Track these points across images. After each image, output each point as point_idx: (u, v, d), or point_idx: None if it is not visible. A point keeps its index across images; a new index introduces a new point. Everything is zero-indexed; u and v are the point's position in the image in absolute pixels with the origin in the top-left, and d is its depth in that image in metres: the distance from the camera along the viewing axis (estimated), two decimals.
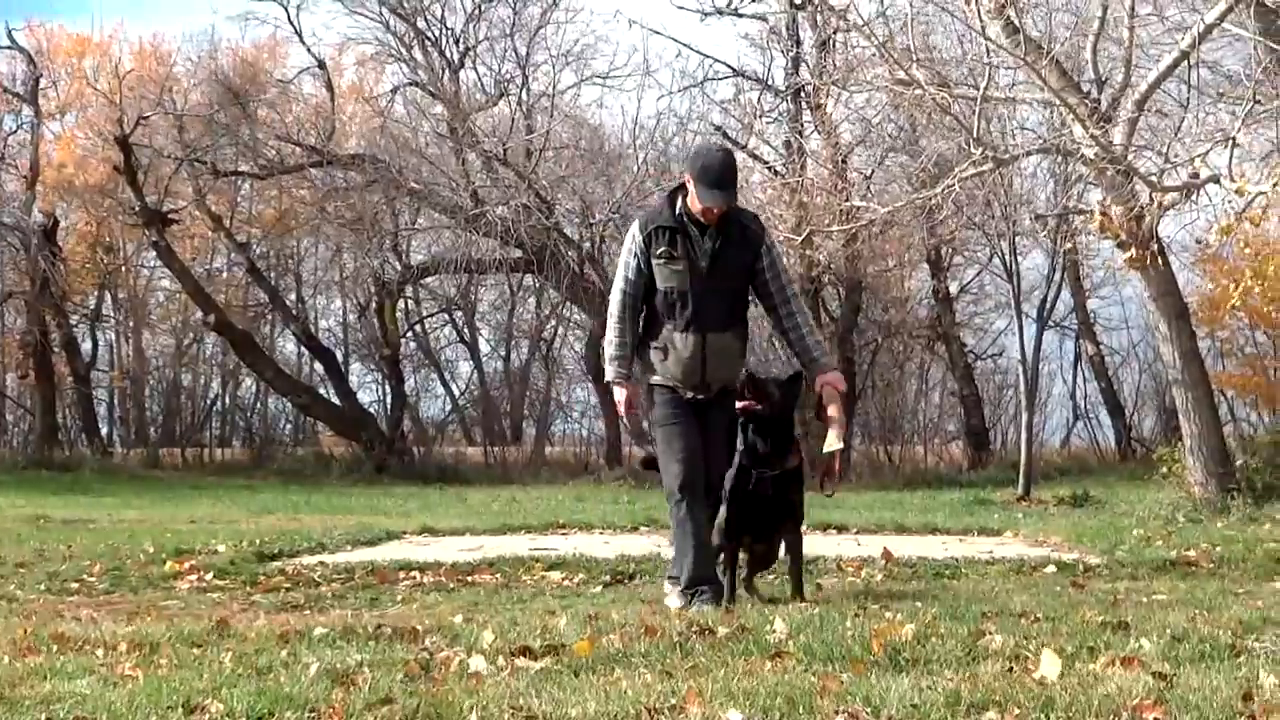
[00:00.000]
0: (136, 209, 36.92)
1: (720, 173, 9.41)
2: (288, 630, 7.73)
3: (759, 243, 9.61)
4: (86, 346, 44.25)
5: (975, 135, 17.13)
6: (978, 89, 16.94)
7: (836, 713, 5.29)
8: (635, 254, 9.62)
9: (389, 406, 41.11)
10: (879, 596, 9.70)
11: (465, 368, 45.95)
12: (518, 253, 33.95)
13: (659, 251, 9.52)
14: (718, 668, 6.30)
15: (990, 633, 7.01)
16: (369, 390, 44.14)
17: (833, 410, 9.69)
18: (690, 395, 9.58)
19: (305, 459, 39.78)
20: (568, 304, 39.04)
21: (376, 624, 7.93)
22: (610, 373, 9.88)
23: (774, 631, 7.18)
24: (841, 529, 16.57)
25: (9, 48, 41.40)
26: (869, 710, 5.35)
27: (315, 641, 7.37)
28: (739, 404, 9.51)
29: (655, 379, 9.68)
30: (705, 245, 9.49)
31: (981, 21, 17.13)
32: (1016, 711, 5.30)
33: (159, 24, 77.08)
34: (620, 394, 9.85)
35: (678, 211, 9.57)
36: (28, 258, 39.20)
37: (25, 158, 40.74)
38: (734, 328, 9.65)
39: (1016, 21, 17.64)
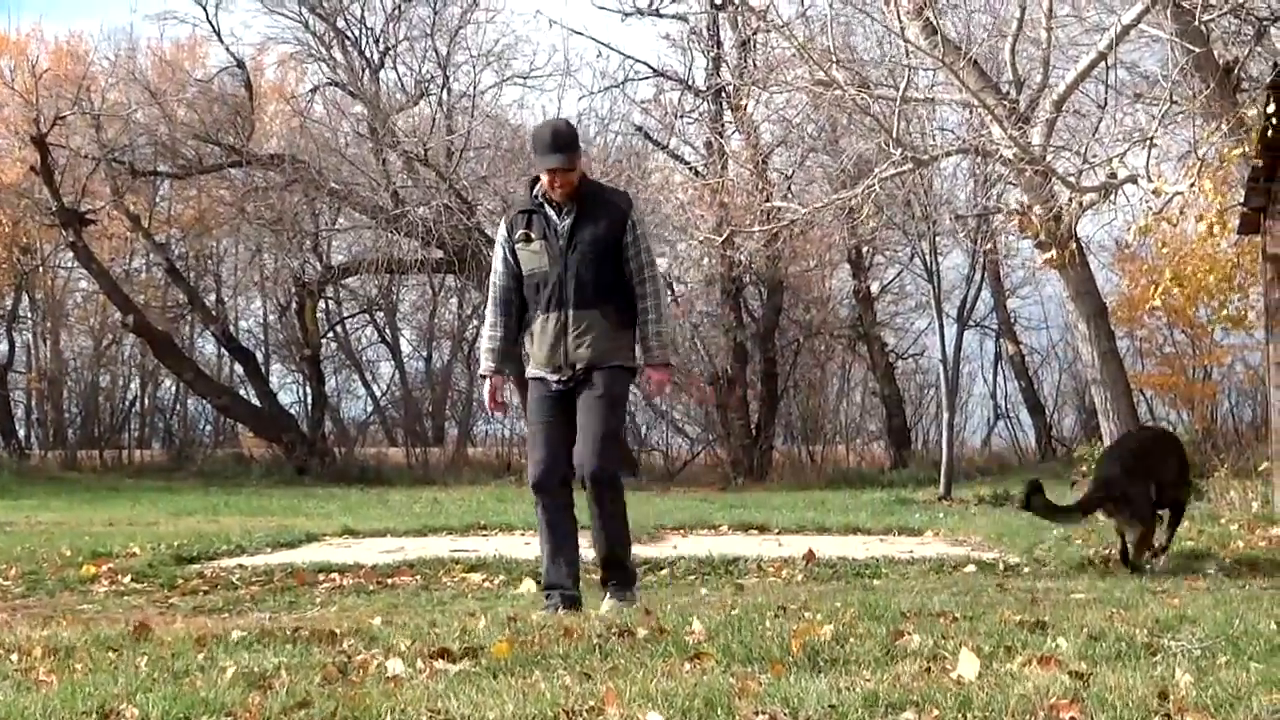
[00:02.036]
0: (53, 209, 36.61)
1: (550, 138, 9.46)
2: (205, 634, 7.68)
3: (623, 219, 9.56)
4: (3, 348, 43.91)
5: (895, 136, 17.21)
6: (897, 90, 17.02)
7: (755, 714, 5.29)
8: (502, 244, 9.76)
9: (310, 407, 40.93)
10: (799, 597, 9.71)
11: (386, 368, 45.93)
12: (439, 253, 33.86)
13: (518, 235, 9.61)
14: (636, 669, 6.30)
15: (909, 632, 7.02)
16: (289, 391, 44.04)
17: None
18: (556, 381, 9.51)
19: (225, 460, 39.63)
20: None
21: (295, 627, 7.89)
22: (482, 365, 9.96)
23: (692, 632, 7.17)
24: (763, 529, 16.60)
25: None
26: (787, 711, 5.35)
27: (233, 645, 7.32)
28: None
29: (528, 370, 9.72)
30: (562, 224, 9.52)
31: (900, 23, 17.23)
32: (934, 712, 5.31)
33: (77, 23, 76.58)
34: (486, 386, 9.90)
35: (535, 195, 9.65)
36: None
37: None
38: (600, 305, 9.49)
39: (935, 23, 17.71)
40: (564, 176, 9.44)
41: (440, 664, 6.54)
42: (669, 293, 36.78)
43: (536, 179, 9.68)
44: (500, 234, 9.83)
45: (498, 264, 9.77)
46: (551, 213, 9.56)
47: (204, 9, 37.09)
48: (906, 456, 36.25)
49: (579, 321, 9.45)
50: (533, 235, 9.55)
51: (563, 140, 9.50)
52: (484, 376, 9.94)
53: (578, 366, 9.46)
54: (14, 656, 7.10)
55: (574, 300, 9.45)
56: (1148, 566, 11.65)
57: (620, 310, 9.58)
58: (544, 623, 7.80)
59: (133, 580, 12.08)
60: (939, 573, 11.85)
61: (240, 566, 12.87)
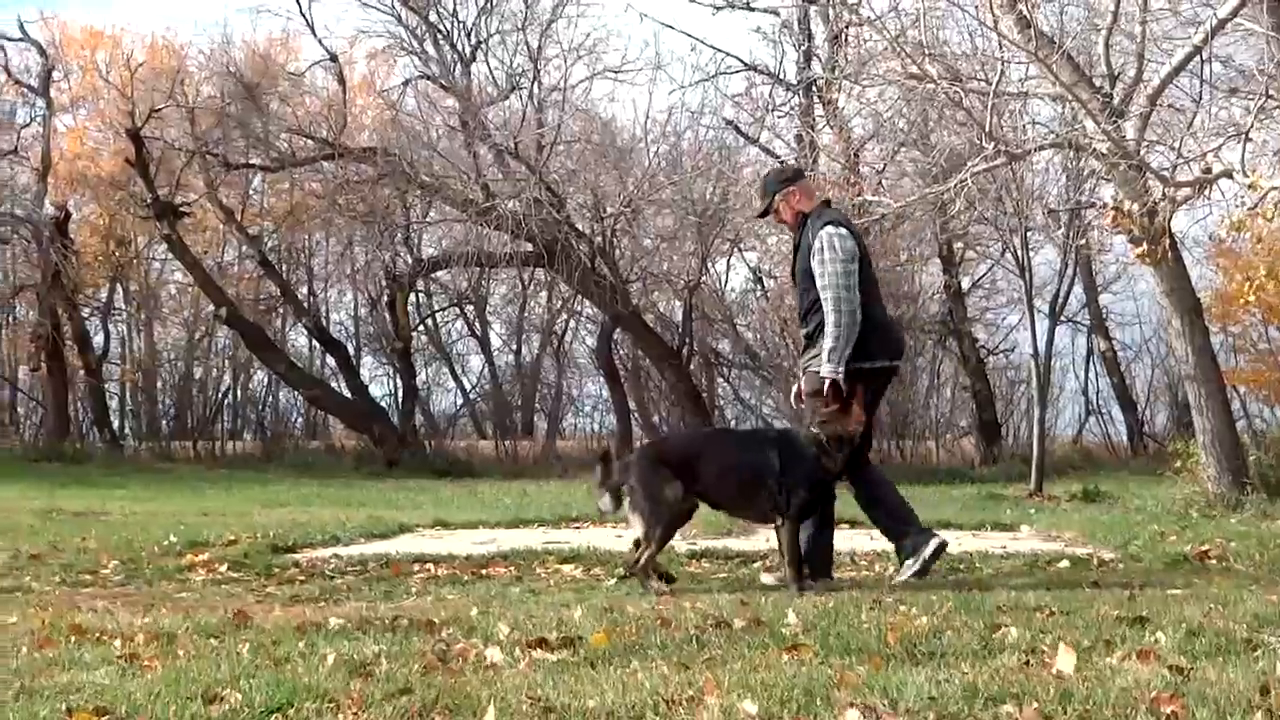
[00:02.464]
0: (148, 202, 36.94)
1: (756, 189, 11.04)
2: (304, 622, 7.75)
3: (807, 248, 10.41)
4: (98, 339, 44.32)
5: (987, 130, 17.10)
6: (990, 84, 16.90)
7: (853, 705, 5.29)
8: None
9: (400, 400, 41.08)
10: (893, 590, 9.69)
11: (476, 361, 46.09)
12: (529, 247, 33.94)
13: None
14: (734, 659, 6.33)
15: (1006, 626, 7.02)
16: (380, 384, 44.22)
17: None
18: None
19: (317, 452, 39.91)
20: (579, 298, 39.02)
21: (393, 616, 7.95)
22: None
23: (789, 624, 7.19)
24: (855, 523, 16.52)
25: (21, 40, 41.51)
26: (886, 703, 5.36)
27: (332, 633, 7.40)
28: None
29: None
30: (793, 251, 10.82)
31: (994, 16, 17.09)
32: (1034, 705, 5.30)
33: (171, 17, 77.13)
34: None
35: None
36: (40, 250, 39.25)
37: (37, 150, 40.77)
38: (807, 323, 10.53)
39: (1029, 16, 17.62)
40: (776, 219, 10.95)
41: (538, 653, 6.58)
42: (761, 286, 36.81)
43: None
44: None
45: None
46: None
47: (297, 3, 37.48)
48: (997, 452, 36.04)
49: (804, 336, 10.68)
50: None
51: (759, 191, 11.10)
52: None
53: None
54: (117, 643, 7.19)
55: (799, 317, 10.78)
56: None
57: (816, 327, 10.44)
58: (640, 614, 7.83)
59: (229, 569, 12.16)
60: (1032, 568, 11.79)
61: (335, 556, 12.94)
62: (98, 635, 7.45)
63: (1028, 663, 6.09)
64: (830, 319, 10.14)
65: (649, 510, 9.90)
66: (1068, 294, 32.65)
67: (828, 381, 10.07)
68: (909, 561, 10.41)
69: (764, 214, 10.86)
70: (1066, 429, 40.95)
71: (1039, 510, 20.33)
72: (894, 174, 32.60)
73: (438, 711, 5.43)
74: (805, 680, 5.67)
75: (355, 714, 5.45)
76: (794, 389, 10.86)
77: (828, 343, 10.11)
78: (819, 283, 10.23)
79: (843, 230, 10.40)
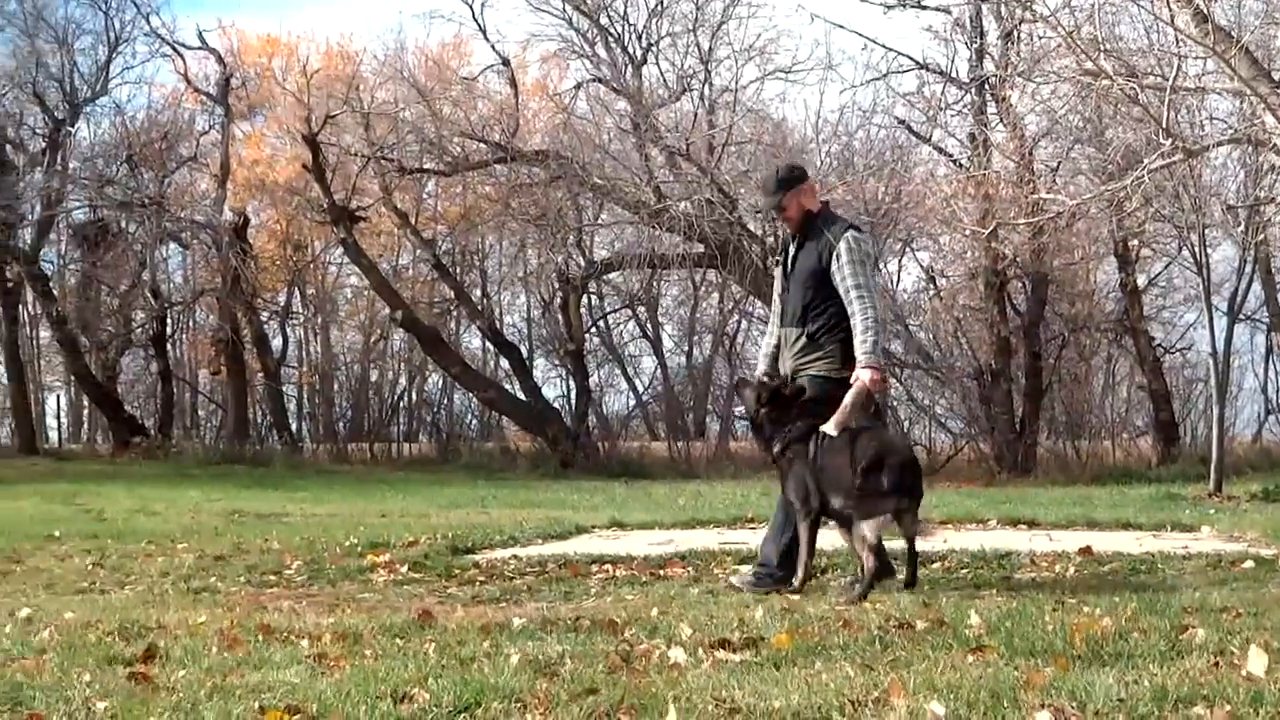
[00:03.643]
0: (325, 206, 37.42)
1: (764, 184, 11.18)
2: (488, 622, 7.83)
3: (830, 248, 10.42)
4: (276, 343, 45.05)
5: (1164, 126, 16.89)
6: (1166, 79, 16.70)
7: (1042, 706, 5.26)
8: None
9: (573, 402, 41.24)
10: (1074, 591, 9.61)
11: (648, 363, 46.16)
12: (700, 248, 33.95)
13: (775, 259, 11.22)
14: (918, 661, 6.31)
15: (1193, 627, 6.94)
16: (553, 385, 44.44)
17: (846, 397, 10.15)
18: None
19: (491, 454, 40.16)
20: (751, 299, 38.97)
21: (575, 616, 8.01)
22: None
23: (972, 625, 7.16)
24: (1033, 524, 16.42)
25: (200, 49, 42.25)
26: (1074, 704, 5.32)
27: (516, 633, 7.47)
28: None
29: None
30: (791, 251, 10.79)
31: (1170, 10, 16.89)
32: (1226, 707, 5.24)
33: (347, 24, 78.07)
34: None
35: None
36: (219, 256, 39.96)
37: (216, 157, 41.46)
38: (807, 324, 10.52)
39: (1205, 10, 17.37)
40: (780, 215, 10.91)
41: (721, 654, 6.61)
42: (934, 285, 36.61)
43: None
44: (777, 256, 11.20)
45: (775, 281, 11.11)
46: (792, 243, 10.87)
47: (470, 7, 37.64)
48: (1174, 452, 35.55)
49: (789, 337, 10.67)
50: (780, 260, 11.06)
51: (770, 185, 10.99)
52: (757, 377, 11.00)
53: (785, 374, 10.63)
54: (305, 642, 7.30)
55: (787, 318, 10.71)
56: None
57: (821, 328, 10.49)
58: (821, 614, 7.83)
59: (410, 570, 12.29)
60: (1216, 569, 11.62)
61: (514, 557, 13.03)
62: (286, 635, 7.58)
63: (1217, 664, 6.02)
64: (865, 317, 10.23)
65: None
66: (1246, 291, 32.11)
67: (870, 375, 10.13)
68: (757, 573, 10.61)
69: (775, 209, 10.87)
70: (1246, 428, 40.29)
71: (1219, 510, 20.03)
72: (1068, 171, 32.25)
73: (623, 711, 5.47)
74: (991, 682, 5.65)
75: (542, 714, 5.50)
76: (752, 392, 10.65)
77: (868, 340, 10.20)
78: (848, 283, 10.29)
79: (865, 235, 10.83)
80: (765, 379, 10.60)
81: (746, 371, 44.68)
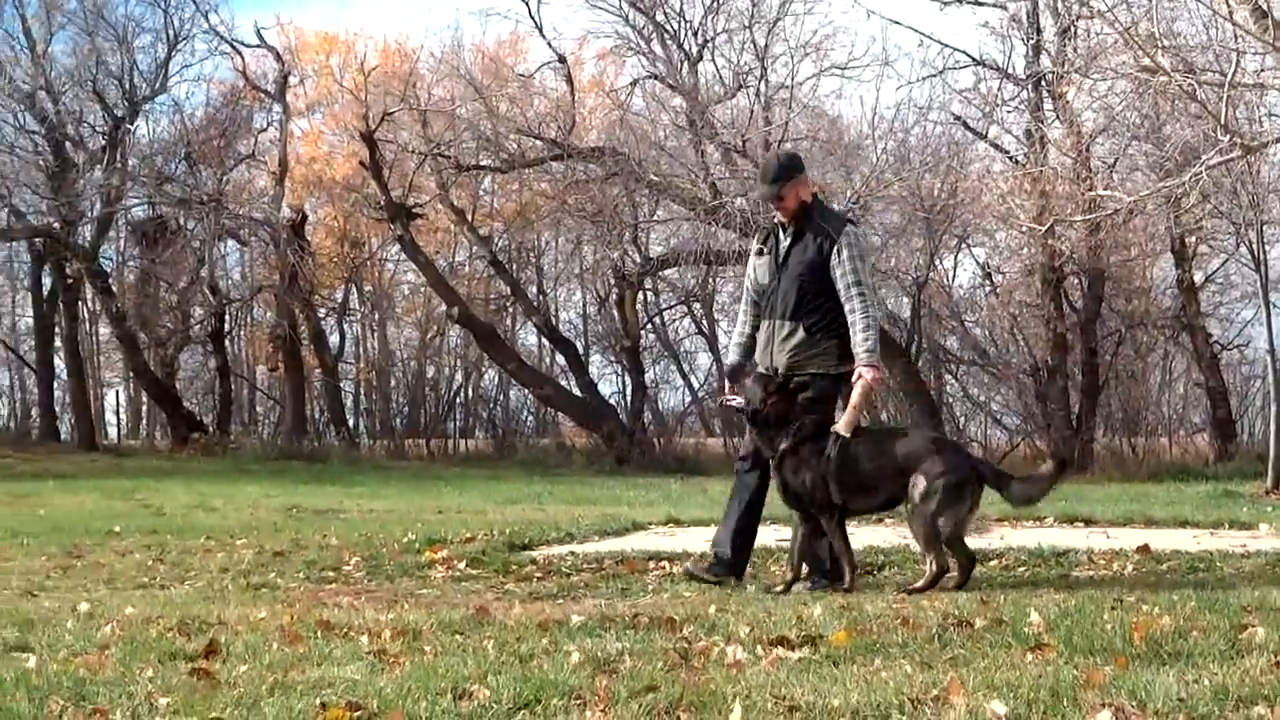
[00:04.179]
0: (382, 203, 37.61)
1: (762, 171, 10.96)
2: (546, 619, 7.86)
3: (830, 241, 10.39)
4: (334, 339, 45.25)
5: (1223, 122, 16.83)
6: (1224, 75, 16.63)
7: (1102, 705, 5.26)
8: (750, 256, 11.08)
9: (629, 398, 41.31)
10: (1133, 589, 9.58)
11: (704, 359, 46.14)
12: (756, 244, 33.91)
13: (755, 249, 10.83)
14: (977, 659, 6.31)
15: (1253, 626, 6.92)
16: (609, 382, 44.53)
17: (852, 397, 10.31)
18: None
19: (547, 450, 40.26)
20: None
21: (633, 613, 8.03)
22: (727, 358, 11.28)
23: (1031, 623, 7.15)
24: (1090, 522, 16.37)
25: (259, 46, 42.44)
26: (1134, 704, 5.32)
27: (574, 630, 7.50)
28: (722, 399, 10.74)
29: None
30: (784, 242, 10.62)
31: (1228, 6, 16.83)
32: None
33: (403, 21, 78.33)
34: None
35: (774, 215, 10.88)
36: (277, 252, 40.18)
37: (274, 154, 41.65)
38: (800, 318, 10.41)
39: (1265, 5, 17.30)
40: (777, 204, 10.62)
41: (779, 651, 6.62)
42: (990, 282, 36.51)
43: None
44: (753, 245, 11.15)
45: (749, 272, 11.08)
46: (780, 232, 10.72)
47: (526, 5, 37.72)
48: (1231, 449, 35.37)
49: (781, 330, 10.51)
50: (764, 250, 10.79)
51: (771, 173, 10.77)
52: (729, 368, 11.11)
53: (779, 370, 10.44)
54: (364, 638, 7.34)
55: (780, 311, 10.51)
56: None
57: (818, 323, 10.43)
58: (879, 612, 7.84)
59: (468, 566, 12.31)
60: (1275, 567, 11.54)
61: (571, 554, 13.04)
62: (345, 631, 7.62)
63: (1278, 664, 6.00)
64: (865, 315, 10.28)
65: None
66: None
67: (873, 375, 10.26)
68: (711, 565, 10.77)
69: (774, 198, 10.63)
70: None
71: (1277, 508, 19.91)
72: (1125, 168, 32.13)
73: (683, 709, 5.49)
74: (1051, 680, 5.65)
75: (602, 711, 5.52)
76: (758, 385, 10.49)
77: (870, 338, 10.26)
78: (849, 279, 10.28)
79: (861, 230, 10.99)
80: (765, 372, 10.51)
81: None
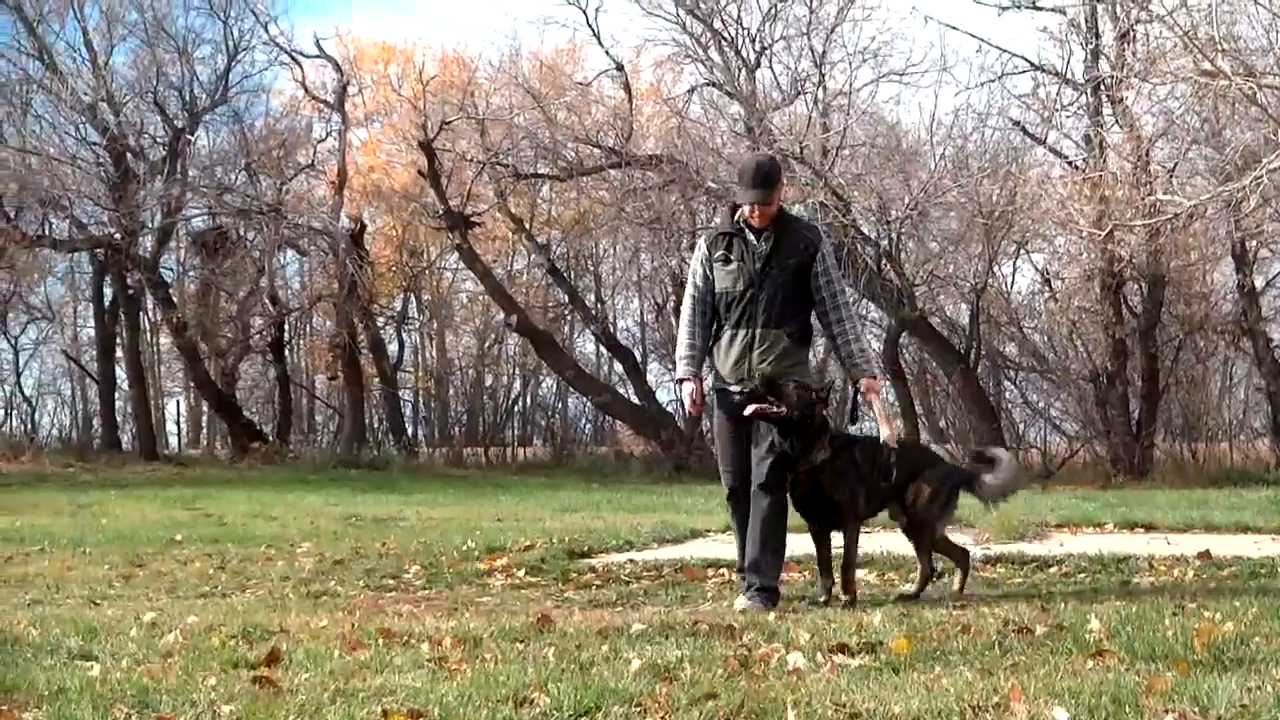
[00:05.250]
0: (440, 212, 37.70)
1: (752, 174, 10.40)
2: (606, 626, 7.88)
3: (815, 250, 10.36)
4: (393, 348, 45.37)
5: None
6: None
7: (1165, 712, 5.25)
8: (701, 262, 10.66)
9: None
10: (1194, 595, 9.54)
11: None
12: None
13: (717, 255, 10.47)
14: (1038, 666, 6.31)
15: None
16: (667, 389, 44.39)
17: (875, 408, 10.40)
18: (738, 393, 10.27)
19: (604, 458, 40.26)
20: (865, 302, 38.88)
21: (693, 621, 8.05)
22: (680, 370, 10.73)
23: (1092, 630, 7.14)
24: (1150, 528, 16.31)
25: (318, 57, 42.60)
26: (1197, 710, 5.31)
27: (634, 638, 7.52)
28: (752, 407, 10.11)
29: (713, 383, 10.63)
30: (760, 248, 10.35)
31: None
32: None
33: (462, 30, 78.62)
34: (688, 389, 10.66)
35: (737, 220, 10.53)
36: (336, 262, 40.29)
37: (334, 164, 41.79)
38: (784, 324, 10.33)
39: None
40: (763, 209, 10.30)
41: (840, 658, 6.63)
42: (1049, 288, 36.38)
43: (738, 205, 10.57)
44: (699, 252, 10.80)
45: (696, 279, 10.67)
46: (751, 237, 10.41)
47: (584, 13, 37.76)
48: None
49: (764, 339, 10.33)
50: (731, 256, 10.44)
51: (764, 176, 10.34)
52: (681, 381, 10.74)
53: (758, 380, 10.21)
54: (425, 646, 7.37)
55: (761, 319, 10.32)
56: None
57: (798, 331, 10.48)
58: (939, 619, 7.83)
59: (527, 574, 12.36)
60: None
61: (630, 561, 13.08)
62: (406, 639, 7.66)
63: None
64: (855, 324, 10.48)
65: None
66: None
67: (877, 384, 10.60)
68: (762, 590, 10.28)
69: (762, 203, 10.28)
70: None
71: None
72: (1185, 172, 31.95)
73: (743, 716, 5.50)
74: (1112, 687, 5.64)
75: (662, 718, 5.54)
76: (796, 392, 10.20)
77: (868, 347, 10.51)
78: (834, 286, 10.36)
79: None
80: (794, 381, 10.29)
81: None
